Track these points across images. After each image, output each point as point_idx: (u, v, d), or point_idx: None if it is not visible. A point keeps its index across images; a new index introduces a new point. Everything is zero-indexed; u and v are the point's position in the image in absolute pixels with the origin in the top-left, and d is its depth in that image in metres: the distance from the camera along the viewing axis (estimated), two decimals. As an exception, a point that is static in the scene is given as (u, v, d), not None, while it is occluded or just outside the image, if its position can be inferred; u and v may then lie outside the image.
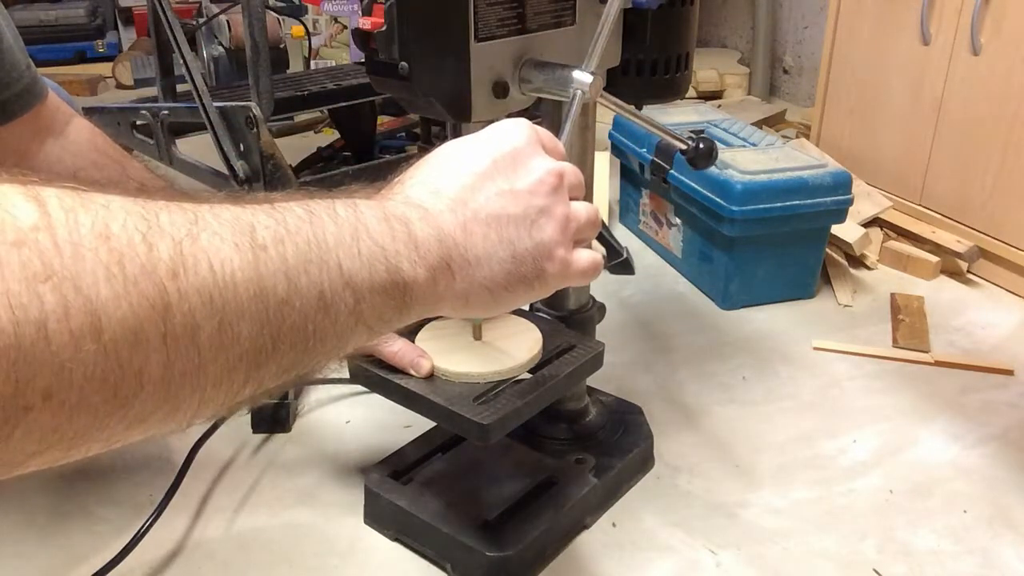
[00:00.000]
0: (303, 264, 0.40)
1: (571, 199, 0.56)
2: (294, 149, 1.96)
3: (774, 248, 1.32)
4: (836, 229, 1.40)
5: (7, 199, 0.30)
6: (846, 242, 1.44)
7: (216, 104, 1.21)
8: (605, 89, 0.68)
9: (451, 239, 0.49)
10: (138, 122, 1.57)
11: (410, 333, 0.80)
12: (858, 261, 1.48)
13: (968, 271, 1.43)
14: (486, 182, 0.52)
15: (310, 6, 2.52)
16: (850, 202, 1.32)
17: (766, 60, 2.54)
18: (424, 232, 0.48)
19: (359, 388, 1.04)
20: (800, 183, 1.29)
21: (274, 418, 1.02)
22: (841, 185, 1.31)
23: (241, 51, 1.63)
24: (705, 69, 2.50)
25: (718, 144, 0.70)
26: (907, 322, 1.28)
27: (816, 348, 1.22)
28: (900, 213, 1.56)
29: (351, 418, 1.06)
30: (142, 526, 0.82)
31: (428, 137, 1.68)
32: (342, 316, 0.42)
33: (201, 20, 2.27)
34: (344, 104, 1.65)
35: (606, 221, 1.42)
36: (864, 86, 1.67)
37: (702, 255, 1.38)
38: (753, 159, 1.33)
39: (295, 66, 2.28)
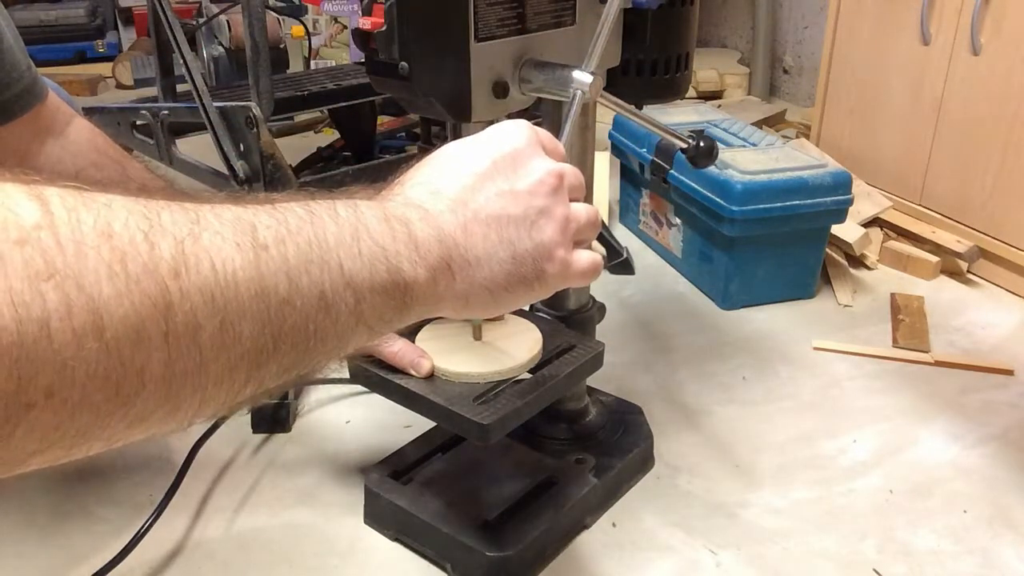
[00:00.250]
0: (304, 264, 0.40)
1: (571, 200, 0.56)
2: (294, 149, 1.96)
3: (774, 248, 1.32)
4: (836, 229, 1.40)
5: (10, 198, 0.30)
6: (846, 242, 1.44)
7: (216, 104, 1.21)
8: (605, 89, 0.68)
9: (451, 239, 0.49)
10: (138, 122, 1.57)
11: (410, 333, 0.80)
12: (858, 261, 1.48)
13: (968, 271, 1.43)
14: (486, 183, 0.52)
15: (310, 6, 2.52)
16: (850, 202, 1.32)
17: (766, 60, 2.54)
18: (424, 232, 0.48)
19: (359, 388, 1.04)
20: (800, 183, 1.29)
21: (274, 418, 1.02)
22: (841, 185, 1.31)
23: (241, 51, 1.63)
24: (705, 69, 2.50)
25: (718, 144, 0.70)
26: (907, 322, 1.28)
27: (816, 348, 1.22)
28: (900, 213, 1.56)
29: (351, 418, 1.06)
30: (142, 526, 0.82)
31: (428, 137, 1.68)
32: (343, 316, 0.42)
33: (201, 20, 2.27)
34: (344, 104, 1.65)
35: (606, 221, 1.42)
36: (864, 86, 1.67)
37: (702, 255, 1.38)
38: (753, 159, 1.33)
39: (295, 66, 2.28)
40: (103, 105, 1.72)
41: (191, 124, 1.45)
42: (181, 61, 1.26)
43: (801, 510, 0.91)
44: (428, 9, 0.67)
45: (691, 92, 2.45)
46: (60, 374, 0.30)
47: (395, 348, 0.76)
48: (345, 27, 2.55)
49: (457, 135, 0.72)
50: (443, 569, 0.82)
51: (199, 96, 1.20)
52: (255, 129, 1.18)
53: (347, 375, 0.80)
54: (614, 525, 0.88)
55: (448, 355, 0.77)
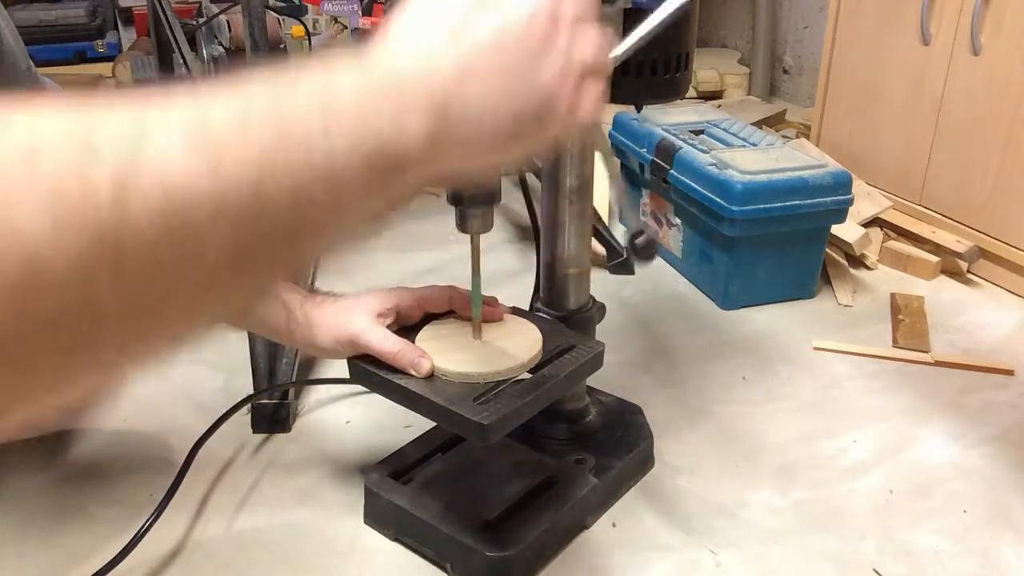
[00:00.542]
0: (270, 155, 0.35)
1: (577, 22, 0.49)
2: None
3: (774, 248, 1.32)
4: (836, 229, 1.40)
5: None
6: (846, 242, 1.44)
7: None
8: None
9: (443, 91, 0.43)
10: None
11: (410, 333, 0.80)
12: (858, 261, 1.48)
13: (968, 271, 1.43)
14: (476, 23, 0.45)
15: (310, 6, 2.52)
16: (850, 202, 1.32)
17: (766, 60, 2.54)
18: (414, 88, 0.42)
19: (359, 388, 1.04)
20: (800, 183, 1.29)
21: (274, 418, 1.02)
22: (841, 185, 1.31)
23: (241, 51, 1.63)
24: (705, 69, 2.50)
25: (657, 242, 0.68)
26: (907, 322, 1.28)
27: (816, 348, 1.22)
28: (900, 213, 1.56)
29: (351, 418, 1.06)
30: (142, 526, 0.82)
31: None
32: (329, 199, 0.38)
33: (201, 20, 2.27)
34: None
35: (606, 221, 1.42)
36: (864, 86, 1.67)
37: (702, 255, 1.38)
38: (753, 159, 1.33)
39: (295, 66, 2.28)
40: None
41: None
42: (181, 61, 1.26)
43: (801, 510, 0.91)
44: (428, 9, 0.66)
45: (691, 92, 2.45)
46: (6, 328, 0.27)
47: (395, 348, 0.76)
48: (345, 27, 2.55)
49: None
50: (443, 569, 0.82)
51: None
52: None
53: (347, 375, 0.80)
54: (614, 525, 0.88)
55: (448, 355, 0.77)
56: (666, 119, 1.53)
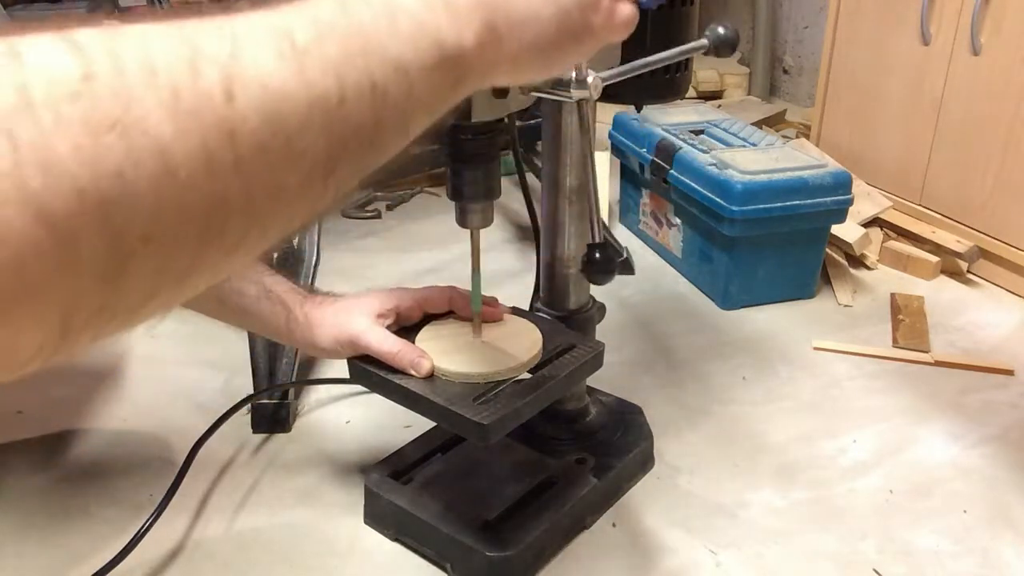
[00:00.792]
0: (347, 59, 0.39)
1: None
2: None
3: (774, 248, 1.32)
4: (836, 229, 1.40)
5: (48, 54, 0.30)
6: (846, 242, 1.44)
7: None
8: (605, 89, 0.68)
9: (492, 2, 0.47)
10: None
11: (410, 333, 0.80)
12: (858, 261, 1.48)
13: (968, 271, 1.44)
14: None
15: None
16: (850, 202, 1.32)
17: (766, 60, 2.54)
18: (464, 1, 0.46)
19: (359, 388, 1.04)
20: (800, 183, 1.29)
21: (274, 418, 1.02)
22: (841, 185, 1.31)
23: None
24: (705, 69, 2.50)
25: (617, 257, 0.68)
26: (907, 322, 1.28)
27: (816, 348, 1.22)
28: (900, 213, 1.56)
29: (351, 418, 1.06)
30: (142, 526, 0.82)
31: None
32: (400, 102, 0.41)
33: (201, 20, 2.26)
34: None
35: (606, 221, 1.42)
36: (864, 86, 1.67)
37: (702, 255, 1.38)
38: (753, 159, 1.33)
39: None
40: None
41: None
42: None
43: (801, 510, 0.91)
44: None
45: (691, 92, 2.45)
46: (149, 220, 0.30)
47: (395, 348, 0.76)
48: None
49: (456, 136, 0.72)
50: (443, 569, 0.82)
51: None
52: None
53: (347, 375, 0.80)
54: (614, 525, 0.88)
55: (448, 355, 0.77)
56: (666, 119, 1.53)
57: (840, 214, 1.33)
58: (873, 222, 1.55)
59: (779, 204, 1.27)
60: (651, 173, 1.45)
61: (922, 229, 1.50)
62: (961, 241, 1.44)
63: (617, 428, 0.96)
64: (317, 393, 1.10)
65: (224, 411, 0.95)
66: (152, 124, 0.30)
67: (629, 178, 1.60)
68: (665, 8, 0.81)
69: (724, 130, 1.49)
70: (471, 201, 0.72)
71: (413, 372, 0.75)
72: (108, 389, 1.11)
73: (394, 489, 0.85)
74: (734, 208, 1.25)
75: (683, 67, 0.82)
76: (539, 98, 0.75)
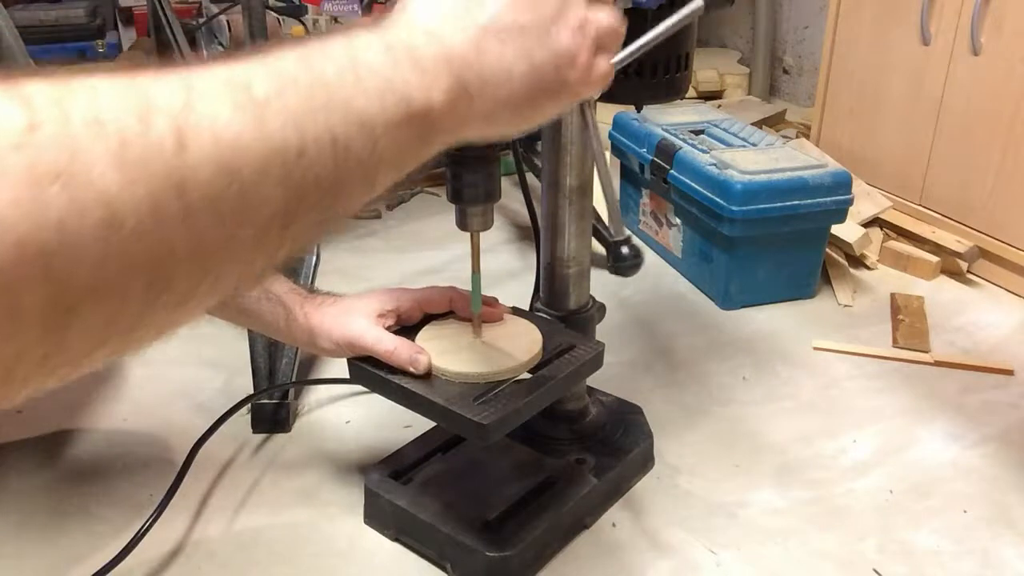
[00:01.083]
0: (309, 112, 0.38)
1: (593, 2, 0.52)
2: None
3: (774, 248, 1.32)
4: (836, 229, 1.40)
5: None
6: (846, 242, 1.44)
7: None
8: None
9: (462, 60, 0.46)
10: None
11: (410, 333, 0.80)
12: (858, 261, 1.48)
13: (968, 271, 1.43)
14: None
15: (310, 6, 2.52)
16: (850, 202, 1.32)
17: (766, 60, 2.54)
18: (431, 56, 0.45)
19: (359, 388, 1.04)
20: (800, 183, 1.29)
21: (274, 418, 1.02)
22: (841, 185, 1.31)
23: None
24: (705, 69, 2.50)
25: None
26: (907, 322, 1.28)
27: (816, 348, 1.22)
28: (900, 213, 1.56)
29: (351, 418, 1.06)
30: (142, 526, 0.82)
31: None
32: (364, 157, 0.41)
33: (201, 20, 2.27)
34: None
35: (606, 221, 1.42)
36: (864, 86, 1.67)
37: (702, 255, 1.38)
38: (753, 159, 1.33)
39: (295, 66, 2.27)
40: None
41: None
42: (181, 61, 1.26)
43: (801, 510, 0.91)
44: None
45: (691, 92, 2.45)
46: (93, 272, 0.30)
47: (392, 346, 0.76)
48: (345, 27, 2.55)
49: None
50: (443, 569, 0.82)
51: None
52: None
53: (347, 375, 0.80)
54: (614, 525, 0.88)
55: (448, 355, 0.77)
56: (666, 119, 1.53)
57: (840, 214, 1.33)
58: (873, 222, 1.55)
59: (779, 204, 1.27)
60: (651, 173, 1.45)
61: (922, 229, 1.50)
62: (961, 241, 1.44)
63: (617, 428, 0.96)
64: (317, 393, 1.10)
65: (224, 411, 0.95)
66: (97, 175, 0.30)
67: (629, 178, 1.60)
68: (665, 8, 0.81)
69: (724, 130, 1.49)
70: (471, 204, 0.72)
71: (411, 368, 0.75)
72: (108, 389, 1.11)
73: (394, 489, 0.85)
74: (734, 208, 1.25)
75: (683, 67, 0.82)
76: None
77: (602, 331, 0.93)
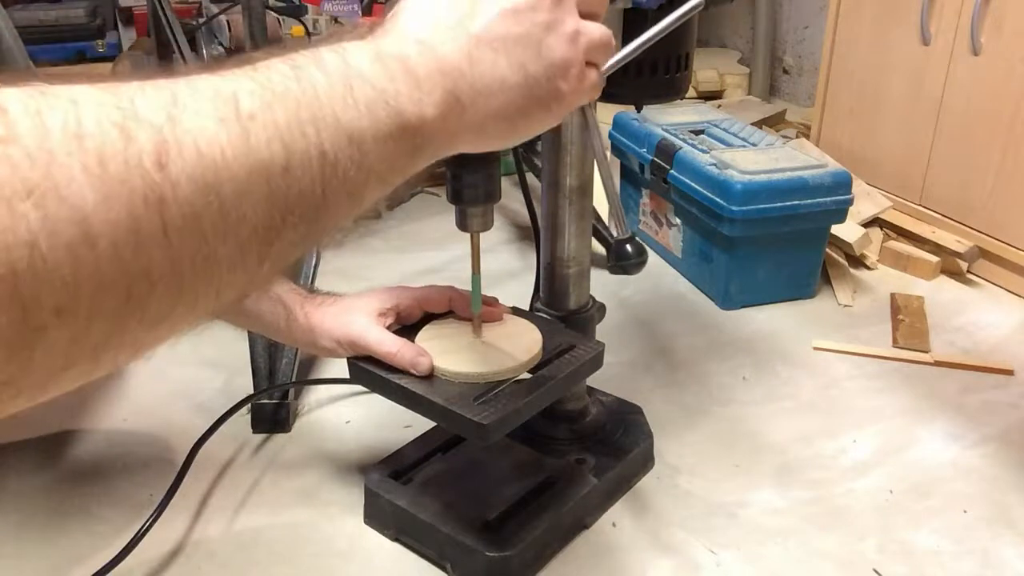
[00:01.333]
0: (297, 126, 0.37)
1: (584, 15, 0.52)
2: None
3: (774, 248, 1.32)
4: (836, 229, 1.40)
5: None
6: (846, 242, 1.44)
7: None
8: (605, 90, 0.67)
9: (456, 70, 0.46)
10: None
11: (410, 333, 0.80)
12: (858, 261, 1.48)
13: (968, 271, 1.43)
14: (484, 4, 0.48)
15: (310, 6, 2.52)
16: (850, 202, 1.32)
17: (766, 60, 2.54)
18: (424, 67, 0.44)
19: (359, 388, 1.04)
20: (800, 183, 1.29)
21: (274, 418, 1.02)
22: (841, 185, 1.31)
23: (241, 51, 1.62)
24: (705, 69, 2.50)
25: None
26: (907, 322, 1.28)
27: (816, 348, 1.22)
28: (900, 213, 1.56)
29: (351, 418, 1.06)
30: (142, 526, 0.82)
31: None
32: (351, 173, 0.40)
33: (201, 20, 2.27)
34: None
35: (605, 221, 1.42)
36: (864, 86, 1.67)
37: (702, 255, 1.38)
38: (753, 159, 1.33)
39: (295, 66, 2.27)
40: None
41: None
42: (181, 61, 1.26)
43: (801, 510, 0.91)
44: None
45: (691, 92, 2.45)
46: (63, 291, 0.29)
47: (395, 348, 0.76)
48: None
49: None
50: (443, 569, 0.82)
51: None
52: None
53: (347, 375, 0.80)
54: (614, 525, 0.88)
55: (448, 355, 0.77)
56: (666, 119, 1.53)
57: (840, 214, 1.33)
58: (873, 222, 1.55)
59: (779, 204, 1.27)
60: (651, 173, 1.45)
61: (922, 229, 1.50)
62: (961, 241, 1.44)
63: (617, 428, 0.96)
64: (317, 393, 1.10)
65: (224, 411, 0.95)
66: (73, 191, 0.29)
67: (629, 178, 1.60)
68: (665, 8, 0.81)
69: (724, 130, 1.49)
70: (471, 204, 0.72)
71: (413, 371, 0.75)
72: (108, 389, 1.11)
73: (394, 489, 0.85)
74: (734, 208, 1.25)
75: (683, 67, 0.82)
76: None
77: (602, 331, 0.93)
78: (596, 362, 0.81)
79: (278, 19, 2.24)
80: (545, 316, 0.89)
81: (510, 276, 1.40)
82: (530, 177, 1.17)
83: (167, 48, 1.54)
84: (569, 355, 0.80)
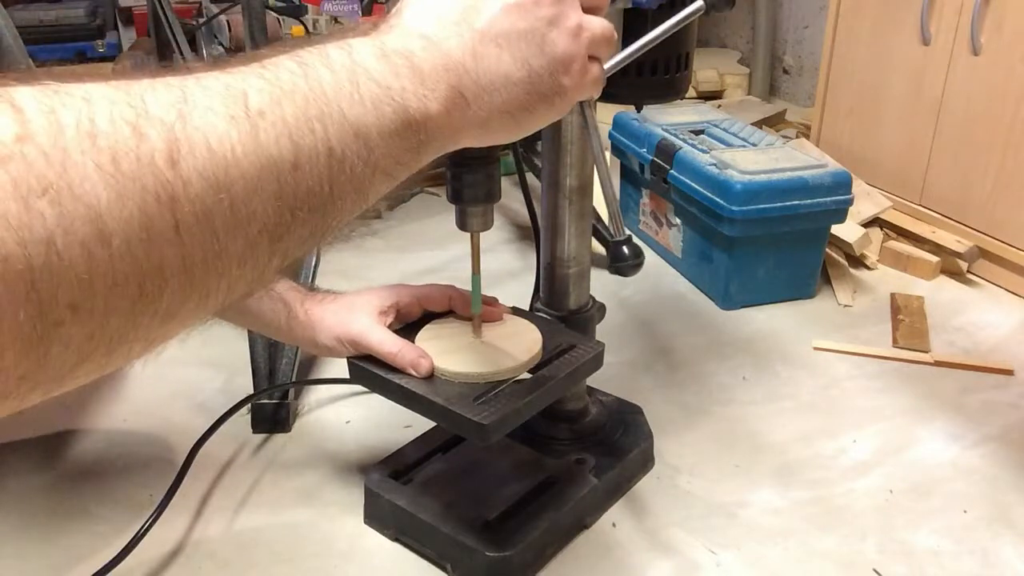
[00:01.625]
0: (305, 123, 0.38)
1: (586, 9, 0.52)
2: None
3: (774, 248, 1.32)
4: (836, 229, 1.40)
5: None
6: (846, 242, 1.44)
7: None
8: (605, 90, 0.67)
9: (460, 66, 0.46)
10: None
11: (410, 332, 0.80)
12: (858, 261, 1.48)
13: (968, 271, 1.43)
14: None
15: (310, 6, 2.51)
16: (850, 202, 1.32)
17: (766, 60, 2.54)
18: (429, 63, 0.45)
19: (359, 388, 1.04)
20: (800, 183, 1.29)
21: (274, 418, 1.02)
22: (841, 185, 1.31)
23: (241, 51, 1.62)
24: (705, 69, 2.50)
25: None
26: (907, 322, 1.28)
27: (816, 348, 1.22)
28: (900, 213, 1.56)
29: (351, 418, 1.06)
30: (142, 526, 0.82)
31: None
32: (357, 168, 0.40)
33: (201, 20, 2.27)
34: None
35: (605, 221, 1.42)
36: (864, 86, 1.67)
37: (702, 255, 1.38)
38: (753, 159, 1.33)
39: (295, 66, 2.27)
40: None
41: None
42: (181, 61, 1.26)
43: (801, 510, 0.91)
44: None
45: (691, 92, 2.45)
46: (79, 288, 0.29)
47: (396, 348, 0.76)
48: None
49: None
50: (443, 569, 0.82)
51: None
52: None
53: (347, 375, 0.80)
54: (614, 525, 0.88)
55: (448, 355, 0.77)
56: (666, 119, 1.53)
57: (840, 214, 1.33)
58: (873, 222, 1.55)
59: (779, 204, 1.27)
60: (651, 173, 1.45)
61: (922, 229, 1.50)
62: (961, 241, 1.44)
63: (617, 428, 0.96)
64: (317, 393, 1.10)
65: (224, 411, 0.95)
66: (87, 189, 0.29)
67: (629, 178, 1.60)
68: (665, 8, 0.81)
69: (724, 130, 1.49)
70: (471, 204, 0.72)
71: (413, 372, 0.75)
72: (108, 389, 1.11)
73: (394, 489, 0.85)
74: (734, 208, 1.25)
75: (683, 67, 0.82)
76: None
77: (602, 331, 0.93)
78: (596, 362, 0.81)
79: (278, 19, 2.24)
80: (545, 316, 0.89)
81: (510, 276, 1.40)
82: (530, 177, 1.17)
83: (167, 48, 1.54)
84: (569, 355, 0.80)
